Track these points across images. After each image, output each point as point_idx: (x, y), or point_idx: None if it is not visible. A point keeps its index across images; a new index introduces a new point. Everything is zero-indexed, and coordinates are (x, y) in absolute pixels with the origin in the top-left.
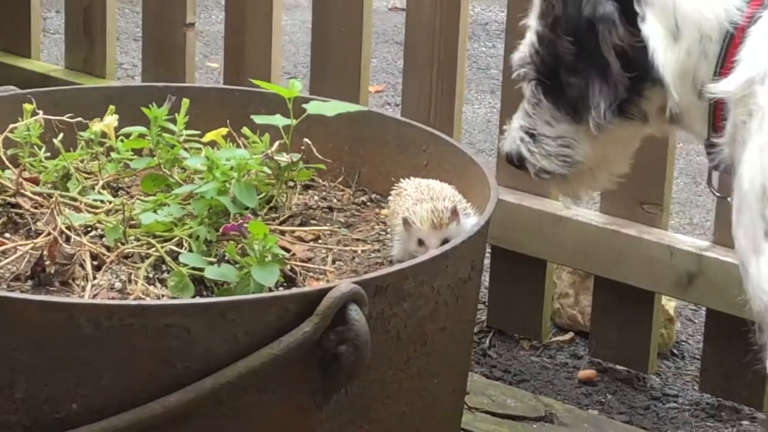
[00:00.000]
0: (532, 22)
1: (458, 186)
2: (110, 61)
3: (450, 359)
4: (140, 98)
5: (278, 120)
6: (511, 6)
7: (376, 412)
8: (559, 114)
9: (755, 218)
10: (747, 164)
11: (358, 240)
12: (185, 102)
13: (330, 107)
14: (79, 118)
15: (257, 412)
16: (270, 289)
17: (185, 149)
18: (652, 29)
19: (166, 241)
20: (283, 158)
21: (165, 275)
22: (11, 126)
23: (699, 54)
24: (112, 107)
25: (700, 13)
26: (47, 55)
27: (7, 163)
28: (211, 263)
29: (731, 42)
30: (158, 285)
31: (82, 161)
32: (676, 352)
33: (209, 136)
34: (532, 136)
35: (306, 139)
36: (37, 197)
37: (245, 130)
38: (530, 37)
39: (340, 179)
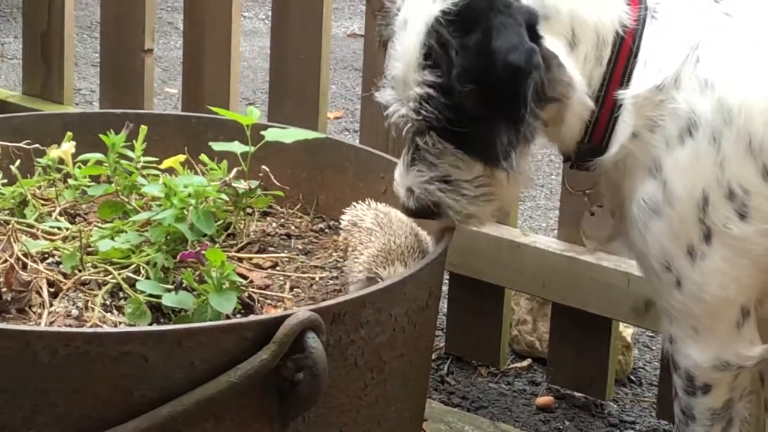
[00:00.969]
0: (413, 73)
1: None
2: (68, 87)
3: (408, 386)
4: (98, 125)
5: (236, 147)
6: None
7: None
8: (468, 157)
9: (690, 224)
10: (678, 171)
11: (316, 267)
12: (143, 129)
13: (288, 134)
14: (37, 145)
15: None
16: (227, 317)
17: (143, 176)
18: (553, 45)
19: (123, 268)
20: (241, 185)
21: (122, 302)
22: None
23: (595, 59)
24: (69, 134)
25: (598, 18)
26: (5, 81)
27: None
28: (169, 290)
29: (622, 46)
30: (115, 312)
31: (39, 188)
32: (633, 378)
33: (167, 163)
34: (448, 182)
35: (264, 166)
36: None
37: (203, 156)
38: (420, 90)
39: (298, 206)
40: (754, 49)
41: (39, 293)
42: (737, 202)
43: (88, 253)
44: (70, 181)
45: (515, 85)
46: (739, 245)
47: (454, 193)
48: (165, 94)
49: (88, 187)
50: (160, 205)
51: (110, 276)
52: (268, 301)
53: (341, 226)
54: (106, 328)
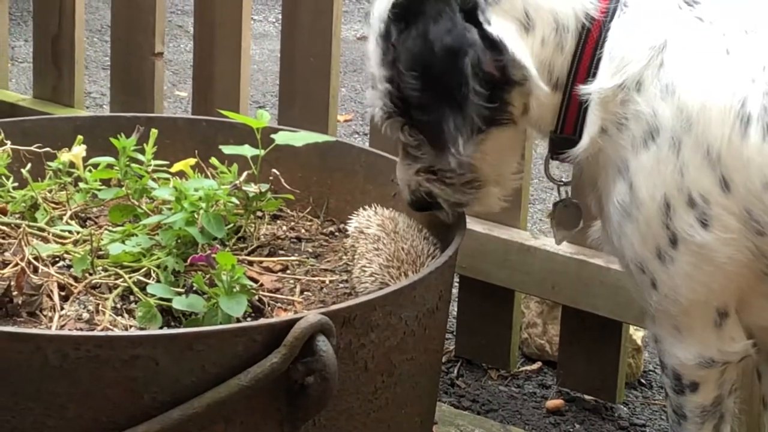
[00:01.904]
0: (376, 70)
1: (426, 215)
2: (78, 90)
3: (418, 389)
4: (109, 128)
5: (246, 150)
6: None
7: None
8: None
9: (656, 228)
10: (642, 174)
11: (326, 270)
12: (153, 132)
13: (298, 137)
14: (48, 148)
15: None
16: (238, 320)
17: (153, 179)
18: (502, 28)
19: (134, 271)
20: (252, 188)
21: (133, 306)
22: None
23: (555, 45)
24: (80, 137)
25: (555, 3)
26: (16, 84)
27: None
28: (179, 294)
29: (588, 36)
30: (126, 316)
31: (50, 191)
32: (643, 381)
33: (177, 167)
34: (433, 173)
35: (274, 170)
36: (4, 228)
37: (213, 160)
38: (382, 86)
39: (308, 209)
40: (720, 58)
41: (50, 297)
42: (698, 210)
43: (99, 257)
44: (81, 185)
45: (452, 66)
46: (703, 252)
47: (439, 183)
48: (175, 97)
49: (99, 190)
50: (170, 209)
51: (121, 279)
52: (279, 305)
53: (348, 232)
54: (117, 332)
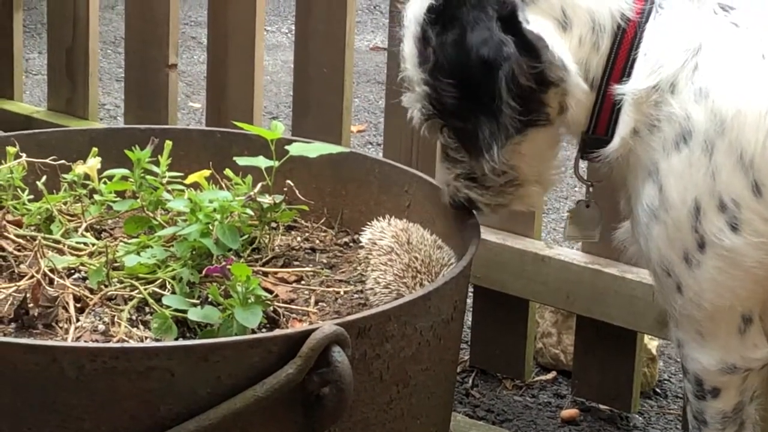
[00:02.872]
0: (414, 73)
1: (441, 226)
2: (93, 102)
3: (433, 399)
4: (123, 140)
5: (261, 161)
6: None
7: None
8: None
9: (685, 231)
10: (673, 177)
11: (340, 281)
12: (168, 144)
13: (312, 148)
14: (63, 161)
15: None
16: (253, 331)
17: (168, 191)
18: (541, 26)
19: (149, 283)
20: (266, 200)
21: (148, 317)
22: None
23: (591, 45)
24: (95, 149)
25: (592, 2)
26: (30, 96)
27: None
28: (195, 305)
29: (623, 37)
30: (141, 327)
31: (65, 203)
32: (659, 391)
33: (192, 178)
34: (473, 179)
35: (288, 181)
36: (20, 240)
37: (228, 171)
38: (420, 89)
39: (322, 220)
40: (755, 64)
41: (66, 308)
42: (728, 214)
43: (114, 269)
44: (96, 197)
45: (487, 78)
46: (731, 256)
47: (479, 188)
48: (189, 108)
49: (114, 202)
50: (185, 220)
51: (136, 291)
52: (294, 315)
53: (362, 243)
54: (133, 343)
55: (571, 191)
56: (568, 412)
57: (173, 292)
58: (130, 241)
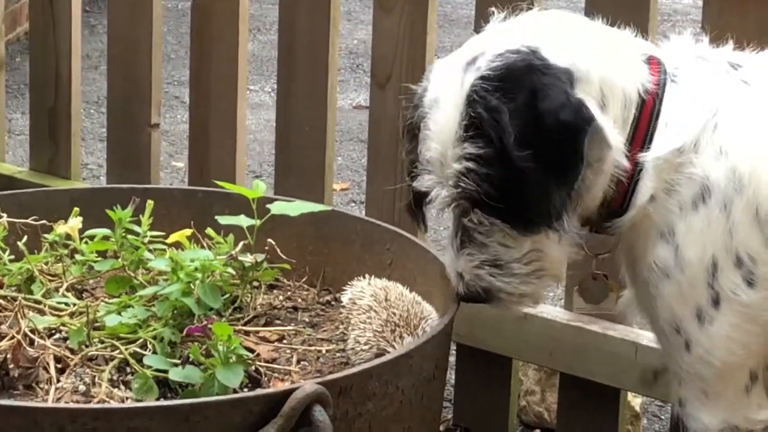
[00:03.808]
0: (453, 151)
1: (422, 284)
2: (75, 162)
3: None
4: (105, 200)
5: (242, 220)
6: None
7: None
8: (516, 232)
9: (700, 288)
10: (691, 235)
11: (322, 340)
12: (150, 203)
13: (294, 207)
14: (44, 221)
15: None
16: (235, 391)
17: (149, 250)
18: (590, 105)
19: (130, 342)
20: (248, 258)
21: (129, 377)
22: None
23: (622, 121)
24: (76, 209)
25: (625, 80)
26: (12, 156)
27: None
28: (176, 365)
29: (644, 107)
30: (122, 387)
31: (46, 263)
32: None
33: (173, 237)
34: (498, 266)
35: (270, 239)
36: (1, 300)
37: (209, 230)
38: (459, 165)
39: (304, 279)
40: None
41: (46, 369)
42: (744, 270)
43: (95, 329)
44: (77, 257)
45: (570, 143)
46: (747, 312)
47: (505, 276)
48: (172, 167)
49: (95, 262)
50: (166, 280)
51: (117, 351)
52: (275, 375)
53: (342, 303)
54: (114, 404)
55: None
56: None
57: (154, 352)
58: (111, 300)
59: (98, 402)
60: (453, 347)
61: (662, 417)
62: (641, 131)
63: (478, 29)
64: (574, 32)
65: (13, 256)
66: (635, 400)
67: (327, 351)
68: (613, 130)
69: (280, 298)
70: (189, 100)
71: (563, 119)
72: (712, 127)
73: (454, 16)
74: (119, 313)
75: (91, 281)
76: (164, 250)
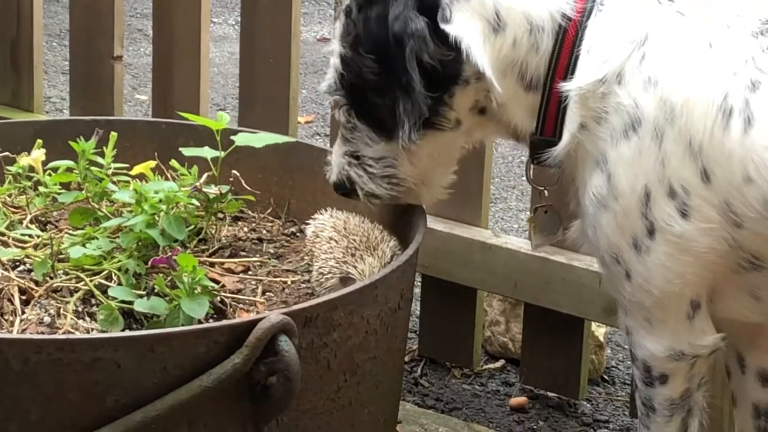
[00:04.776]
0: (335, 45)
1: (387, 215)
2: (38, 95)
3: (381, 388)
4: (68, 132)
5: (207, 152)
6: None
7: None
8: (375, 135)
9: (634, 218)
10: (622, 165)
11: (287, 271)
12: (113, 135)
13: (258, 139)
14: (7, 153)
15: None
16: (200, 321)
17: (113, 182)
18: (464, 27)
19: (95, 274)
20: (212, 190)
21: (94, 309)
22: None
23: (529, 46)
24: (39, 141)
25: (528, 5)
26: None
27: None
28: (141, 296)
29: (565, 36)
30: (87, 319)
31: (9, 196)
32: (606, 378)
33: (137, 169)
34: (357, 158)
35: (234, 171)
36: None
37: (173, 162)
38: (334, 61)
39: (269, 210)
40: (703, 51)
41: (11, 301)
42: (678, 201)
43: (60, 261)
44: (41, 189)
45: (400, 52)
46: (681, 242)
47: (358, 168)
48: (135, 100)
49: (59, 194)
50: (131, 212)
51: (82, 283)
52: (241, 306)
53: (306, 237)
54: (78, 335)
55: (519, 180)
56: (517, 400)
57: (119, 284)
58: (75, 232)
59: (63, 333)
60: (418, 278)
61: (625, 347)
62: (563, 60)
63: None
64: None
65: None
66: (599, 330)
67: (292, 282)
68: (484, 54)
69: (245, 229)
70: (152, 33)
71: (394, 30)
72: (639, 57)
73: None
74: (83, 245)
75: (54, 213)
76: (128, 181)
